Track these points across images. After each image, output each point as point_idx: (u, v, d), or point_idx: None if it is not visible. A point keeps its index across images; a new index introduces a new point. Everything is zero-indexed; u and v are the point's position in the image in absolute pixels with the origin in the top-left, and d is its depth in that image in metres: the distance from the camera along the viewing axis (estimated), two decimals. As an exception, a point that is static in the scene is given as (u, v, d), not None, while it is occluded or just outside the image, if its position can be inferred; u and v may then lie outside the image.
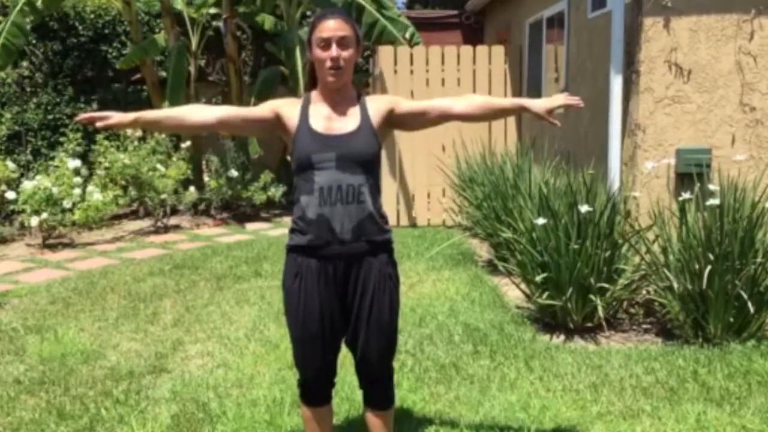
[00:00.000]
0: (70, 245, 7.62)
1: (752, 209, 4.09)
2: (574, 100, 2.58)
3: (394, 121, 2.60)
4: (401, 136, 8.34)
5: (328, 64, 2.45)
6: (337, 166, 2.44)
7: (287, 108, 2.56)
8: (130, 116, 2.50)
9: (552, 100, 2.57)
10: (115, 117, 2.46)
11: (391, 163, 8.35)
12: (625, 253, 4.52)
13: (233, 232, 8.41)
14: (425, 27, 10.72)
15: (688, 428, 3.18)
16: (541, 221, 4.41)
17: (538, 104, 2.57)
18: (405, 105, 2.62)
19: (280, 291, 2.68)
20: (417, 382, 3.71)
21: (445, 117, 2.63)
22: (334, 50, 2.44)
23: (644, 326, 4.56)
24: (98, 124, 2.46)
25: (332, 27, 2.45)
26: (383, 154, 2.81)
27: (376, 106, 2.57)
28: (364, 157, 2.47)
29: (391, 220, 6.42)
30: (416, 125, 2.70)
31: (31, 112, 10.03)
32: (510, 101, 2.72)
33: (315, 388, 2.66)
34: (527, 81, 8.56)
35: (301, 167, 2.48)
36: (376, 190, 2.53)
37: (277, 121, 2.56)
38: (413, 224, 8.50)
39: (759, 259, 4.03)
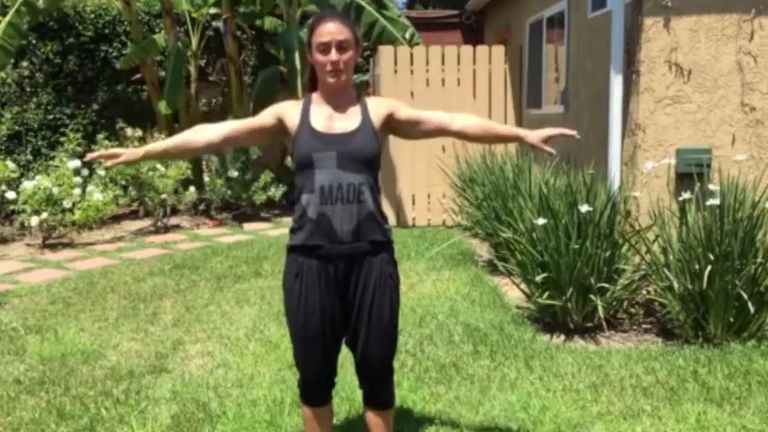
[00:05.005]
0: (70, 245, 7.63)
1: (752, 209, 4.09)
2: (570, 132, 2.62)
3: (392, 125, 2.62)
4: (401, 136, 8.34)
5: (329, 67, 2.46)
6: (338, 165, 2.45)
7: (288, 110, 2.58)
8: (139, 151, 2.62)
9: (548, 131, 2.62)
10: (124, 155, 2.59)
11: (391, 164, 8.35)
12: (625, 253, 4.52)
13: (233, 232, 8.41)
14: (425, 27, 10.73)
15: (688, 428, 3.18)
16: (541, 221, 4.41)
17: (534, 134, 2.62)
18: (404, 111, 2.63)
19: (280, 291, 2.68)
20: (417, 381, 3.71)
21: (442, 131, 2.69)
22: (333, 54, 2.45)
23: (644, 326, 4.56)
24: (108, 163, 2.62)
25: (331, 30, 2.45)
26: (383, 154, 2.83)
27: (377, 108, 2.58)
28: (365, 156, 2.48)
29: (391, 221, 6.41)
30: (413, 134, 2.71)
31: (31, 112, 10.04)
32: (507, 129, 2.79)
33: (315, 388, 2.66)
34: (527, 81, 8.56)
35: (302, 166, 2.49)
36: (376, 190, 2.54)
37: (280, 125, 2.57)
38: (413, 224, 8.50)
39: (759, 259, 4.03)
